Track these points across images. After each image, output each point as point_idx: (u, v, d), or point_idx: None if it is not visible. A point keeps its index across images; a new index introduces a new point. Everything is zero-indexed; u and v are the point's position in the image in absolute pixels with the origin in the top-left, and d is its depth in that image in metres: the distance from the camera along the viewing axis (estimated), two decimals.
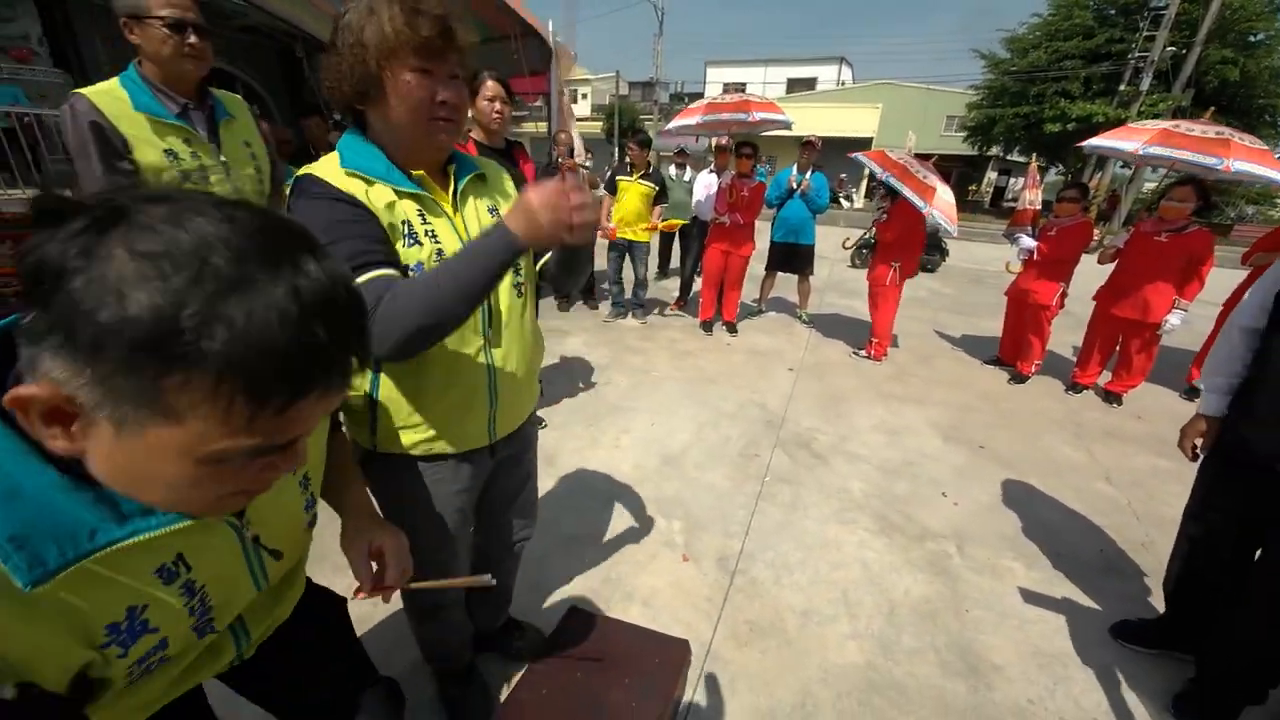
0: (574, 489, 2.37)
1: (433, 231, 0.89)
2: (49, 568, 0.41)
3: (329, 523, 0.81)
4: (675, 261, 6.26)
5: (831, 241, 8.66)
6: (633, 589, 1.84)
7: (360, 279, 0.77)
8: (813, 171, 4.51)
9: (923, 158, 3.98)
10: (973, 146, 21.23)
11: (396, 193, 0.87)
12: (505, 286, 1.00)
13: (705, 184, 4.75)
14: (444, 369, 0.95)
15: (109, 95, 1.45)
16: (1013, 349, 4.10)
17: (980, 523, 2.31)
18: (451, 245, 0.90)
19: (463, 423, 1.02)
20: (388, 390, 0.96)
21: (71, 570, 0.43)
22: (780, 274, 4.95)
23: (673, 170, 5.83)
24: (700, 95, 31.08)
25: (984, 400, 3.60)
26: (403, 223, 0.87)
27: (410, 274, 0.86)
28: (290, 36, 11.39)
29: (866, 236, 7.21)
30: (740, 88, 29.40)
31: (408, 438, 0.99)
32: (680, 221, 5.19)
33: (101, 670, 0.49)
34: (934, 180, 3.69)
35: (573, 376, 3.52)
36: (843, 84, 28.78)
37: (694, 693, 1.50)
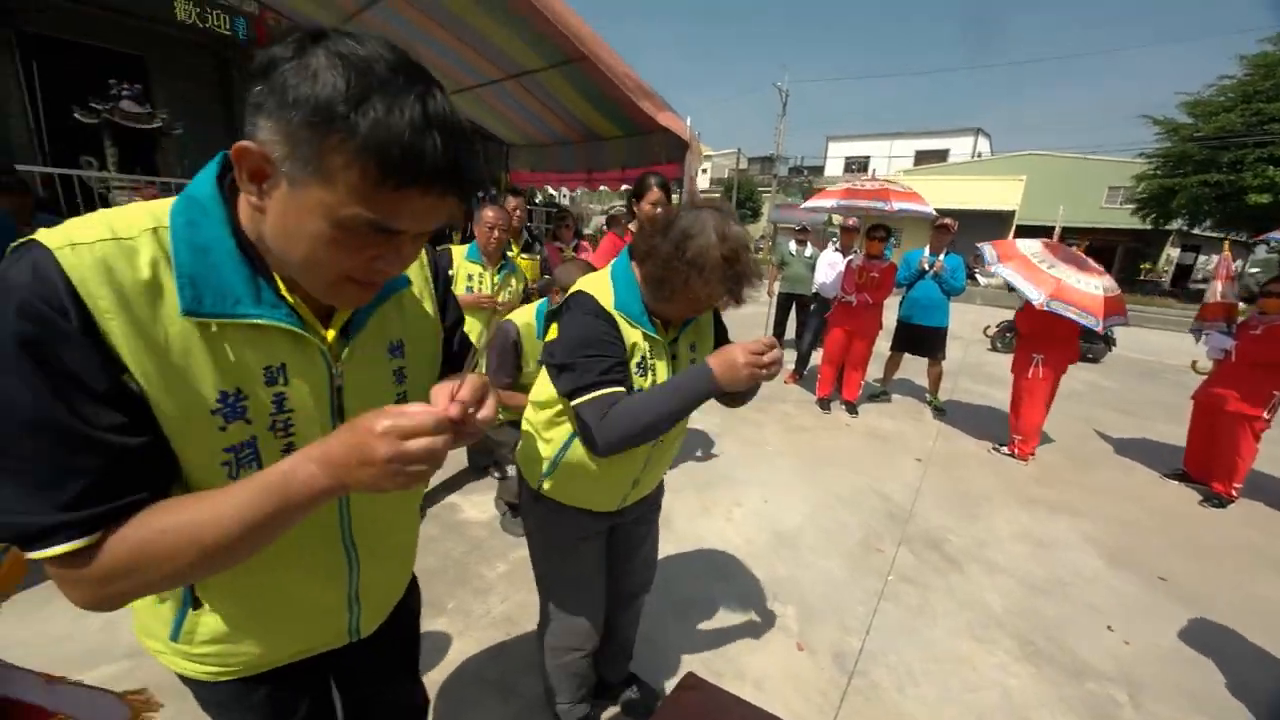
0: (687, 555, 2.46)
1: (654, 368, 1.15)
2: (200, 309, 0.52)
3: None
4: (790, 332, 6.28)
5: (967, 320, 8.09)
6: (744, 668, 1.85)
7: (604, 391, 1.03)
8: (947, 252, 4.37)
9: (1080, 233, 3.70)
10: (1145, 220, 18.75)
11: (643, 335, 1.12)
12: None
13: (829, 262, 4.81)
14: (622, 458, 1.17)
15: None
16: (1202, 463, 3.49)
17: (1159, 671, 1.97)
18: (663, 378, 1.15)
19: (611, 491, 1.27)
20: (576, 455, 1.20)
21: (212, 323, 0.53)
22: (908, 355, 4.71)
23: (792, 245, 5.99)
24: (820, 169, 31.39)
25: (1164, 521, 3.08)
26: (641, 358, 1.12)
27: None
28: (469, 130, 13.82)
29: (1006, 323, 6.63)
30: (863, 163, 29.25)
31: (569, 492, 1.25)
32: None
33: (203, 432, 0.55)
34: (1064, 269, 3.39)
35: (685, 441, 3.67)
36: (979, 155, 27.34)
37: None
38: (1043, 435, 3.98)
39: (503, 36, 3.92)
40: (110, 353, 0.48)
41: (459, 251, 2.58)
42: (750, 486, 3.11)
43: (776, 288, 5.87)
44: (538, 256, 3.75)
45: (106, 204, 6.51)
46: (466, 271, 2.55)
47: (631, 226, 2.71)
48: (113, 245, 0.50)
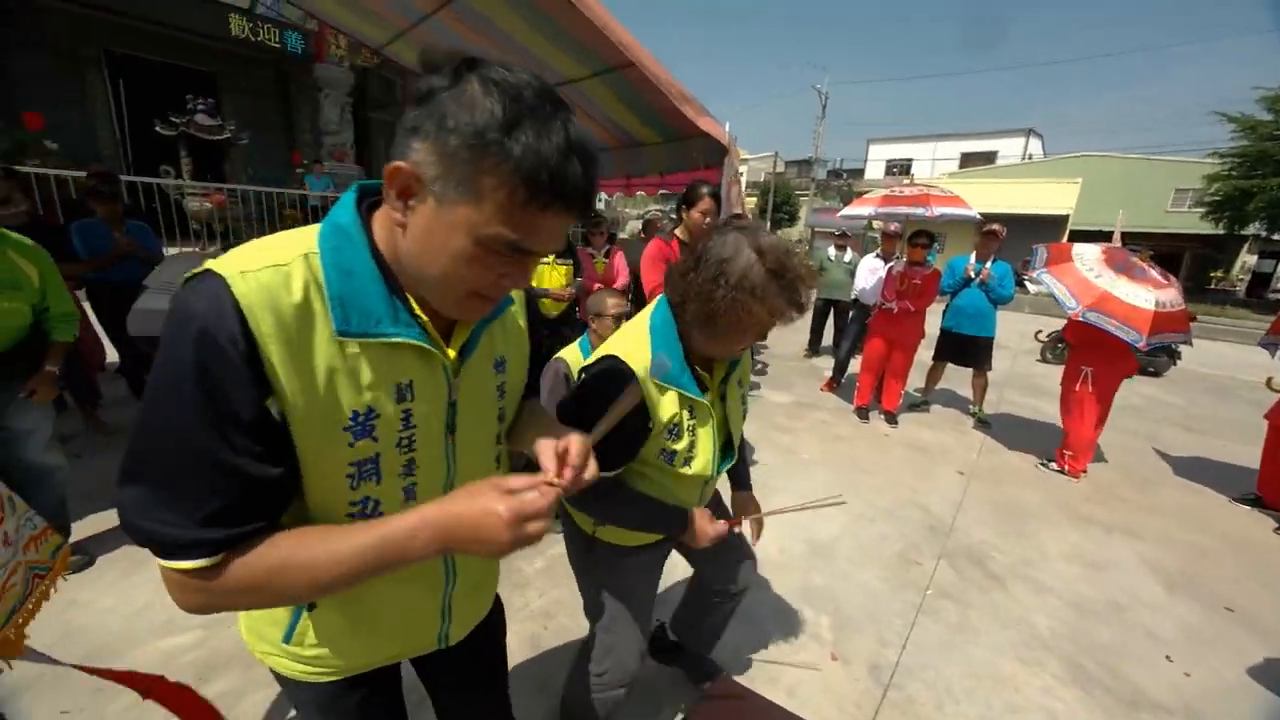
0: None
1: (694, 427, 1.10)
2: (349, 329, 0.56)
3: None
4: (828, 339, 6.17)
5: (1015, 329, 7.76)
6: (777, 675, 1.85)
7: (611, 475, 1.04)
8: (994, 260, 4.21)
9: (1142, 239, 3.52)
10: (1217, 224, 17.52)
11: (681, 399, 1.05)
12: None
13: (870, 268, 4.71)
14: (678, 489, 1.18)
15: None
16: (1279, 488, 3.25)
17: (1224, 706, 1.85)
18: (704, 440, 1.11)
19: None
20: None
21: (354, 343, 0.57)
22: (951, 365, 4.55)
23: (831, 251, 5.91)
24: (860, 172, 30.64)
25: (1233, 548, 2.88)
26: (671, 419, 1.05)
27: (662, 458, 1.09)
28: None
29: (1056, 333, 6.31)
30: (905, 165, 28.38)
31: (626, 534, 1.23)
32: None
33: (332, 442, 0.59)
34: (1113, 279, 3.22)
35: None
36: (1029, 157, 26.13)
37: None
38: (1096, 452, 3.79)
39: (547, 49, 4.04)
40: (264, 379, 0.53)
41: None
42: (785, 495, 3.08)
43: (814, 294, 5.81)
44: (570, 262, 3.83)
45: (182, 209, 7.02)
46: None
47: (678, 233, 2.74)
48: (273, 271, 0.54)
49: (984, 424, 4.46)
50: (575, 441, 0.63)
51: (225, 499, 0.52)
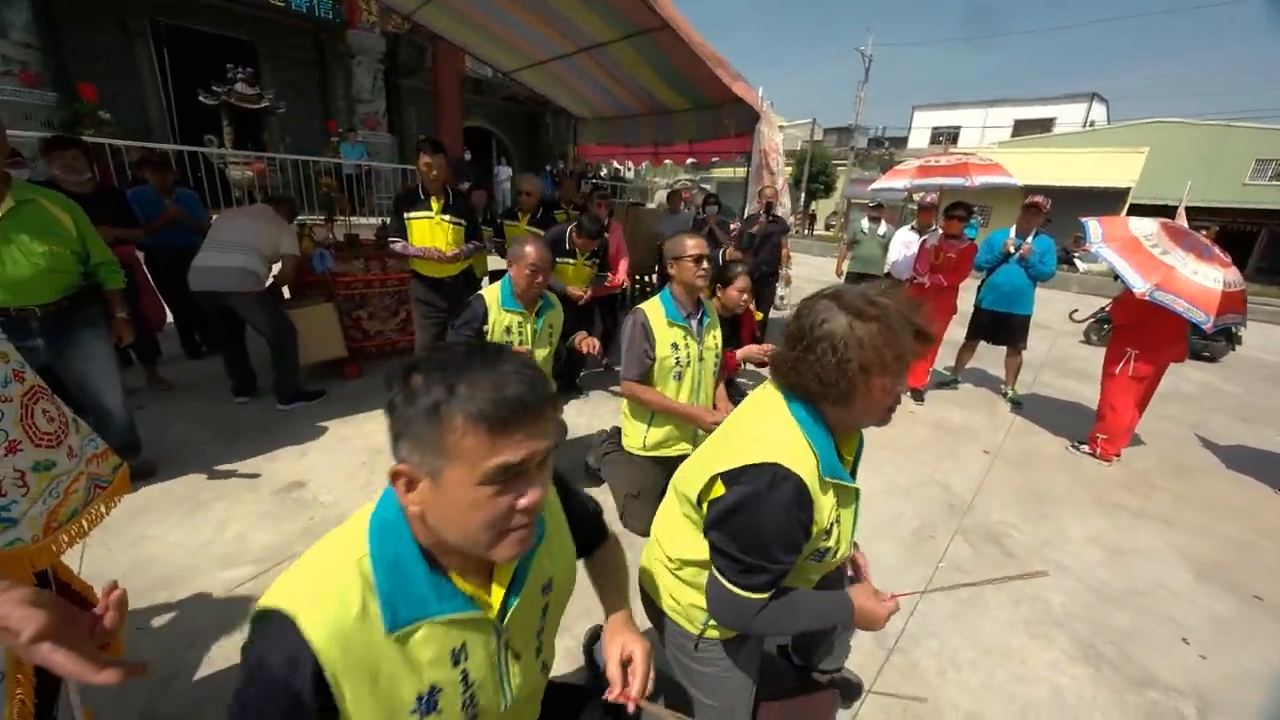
0: None
1: (839, 518, 1.03)
2: (398, 622, 0.62)
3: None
4: None
5: (1057, 309, 7.42)
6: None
7: (760, 596, 0.98)
8: (1036, 233, 4.00)
9: (1214, 214, 3.24)
10: None
11: (835, 486, 0.99)
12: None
13: (904, 241, 4.58)
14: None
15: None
16: None
17: (1238, 691, 1.83)
18: (845, 526, 1.06)
19: None
20: None
21: (409, 629, 0.63)
22: (984, 344, 4.39)
23: (865, 223, 5.72)
24: (903, 141, 29.14)
25: (1277, 542, 2.77)
26: (829, 522, 1.00)
27: (812, 558, 1.04)
28: (539, 104, 13.99)
29: (1103, 311, 5.94)
30: (953, 134, 26.81)
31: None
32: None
33: None
34: (1179, 256, 2.99)
35: None
36: (1091, 124, 24.27)
37: None
38: (1135, 438, 3.66)
39: (577, 10, 3.96)
40: (333, 709, 0.60)
41: (493, 299, 2.33)
42: None
43: (845, 267, 5.66)
44: (594, 261, 3.66)
45: (224, 177, 7.30)
46: (504, 323, 2.33)
47: (715, 303, 2.65)
48: (335, 602, 0.60)
49: (1016, 405, 4.33)
50: (638, 652, 0.76)
51: None
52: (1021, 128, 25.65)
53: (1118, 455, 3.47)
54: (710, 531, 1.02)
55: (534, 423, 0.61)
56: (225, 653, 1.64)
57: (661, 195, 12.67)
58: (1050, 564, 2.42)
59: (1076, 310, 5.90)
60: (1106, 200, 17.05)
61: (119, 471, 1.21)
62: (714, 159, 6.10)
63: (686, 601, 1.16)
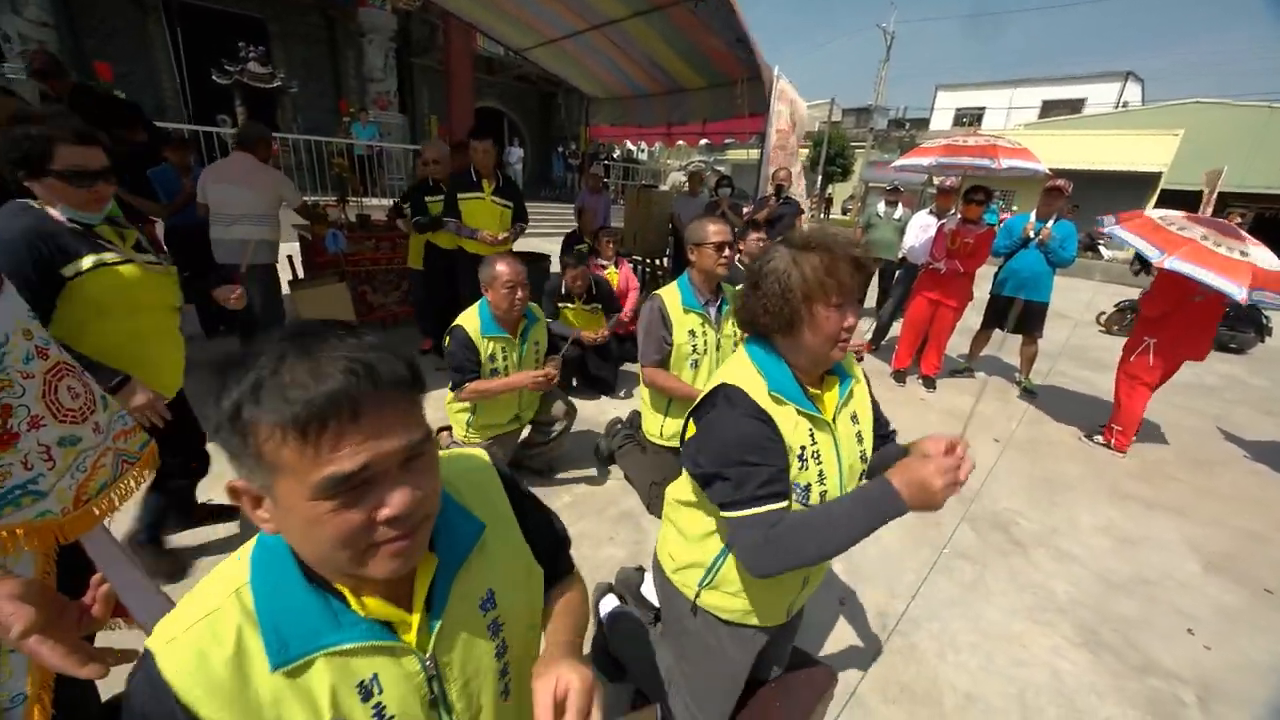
0: None
1: (818, 452, 0.99)
2: (288, 656, 0.53)
3: None
4: (870, 300, 5.97)
5: (1078, 298, 7.27)
6: None
7: (765, 509, 0.93)
8: (1057, 219, 3.89)
9: (1251, 200, 3.11)
10: None
11: (799, 413, 0.99)
12: None
13: (922, 224, 4.48)
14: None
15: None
16: None
17: (1241, 681, 1.83)
18: (830, 463, 1.01)
19: (781, 599, 1.16)
20: (729, 570, 1.12)
21: (303, 662, 0.54)
22: (999, 331, 4.32)
23: (881, 207, 5.61)
24: (925, 122, 28.26)
25: None
26: (800, 446, 0.98)
27: (794, 496, 0.97)
28: (551, 84, 13.80)
29: (1127, 302, 5.75)
30: (977, 115, 25.94)
31: (733, 605, 1.14)
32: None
33: None
34: (1201, 230, 2.89)
35: None
36: (1125, 105, 23.29)
37: None
38: (1152, 429, 3.60)
39: None
40: None
41: (472, 328, 2.13)
42: None
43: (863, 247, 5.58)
44: (598, 306, 3.58)
45: None
46: (487, 351, 2.15)
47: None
48: (204, 626, 0.52)
49: (1030, 394, 4.27)
50: (575, 684, 0.59)
51: None
52: (1050, 109, 24.64)
53: (1129, 446, 3.41)
54: (692, 466, 1.07)
55: (371, 421, 0.49)
56: None
57: (675, 178, 12.51)
58: (1057, 551, 2.42)
59: (1104, 314, 5.69)
60: (1136, 185, 16.47)
61: (147, 447, 1.25)
62: (728, 140, 5.99)
63: (685, 560, 1.19)
